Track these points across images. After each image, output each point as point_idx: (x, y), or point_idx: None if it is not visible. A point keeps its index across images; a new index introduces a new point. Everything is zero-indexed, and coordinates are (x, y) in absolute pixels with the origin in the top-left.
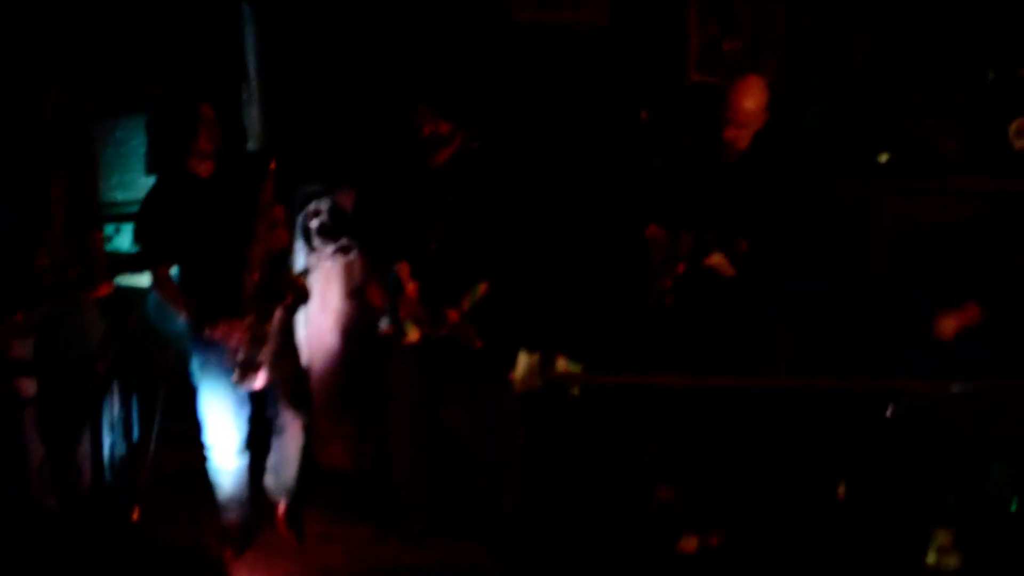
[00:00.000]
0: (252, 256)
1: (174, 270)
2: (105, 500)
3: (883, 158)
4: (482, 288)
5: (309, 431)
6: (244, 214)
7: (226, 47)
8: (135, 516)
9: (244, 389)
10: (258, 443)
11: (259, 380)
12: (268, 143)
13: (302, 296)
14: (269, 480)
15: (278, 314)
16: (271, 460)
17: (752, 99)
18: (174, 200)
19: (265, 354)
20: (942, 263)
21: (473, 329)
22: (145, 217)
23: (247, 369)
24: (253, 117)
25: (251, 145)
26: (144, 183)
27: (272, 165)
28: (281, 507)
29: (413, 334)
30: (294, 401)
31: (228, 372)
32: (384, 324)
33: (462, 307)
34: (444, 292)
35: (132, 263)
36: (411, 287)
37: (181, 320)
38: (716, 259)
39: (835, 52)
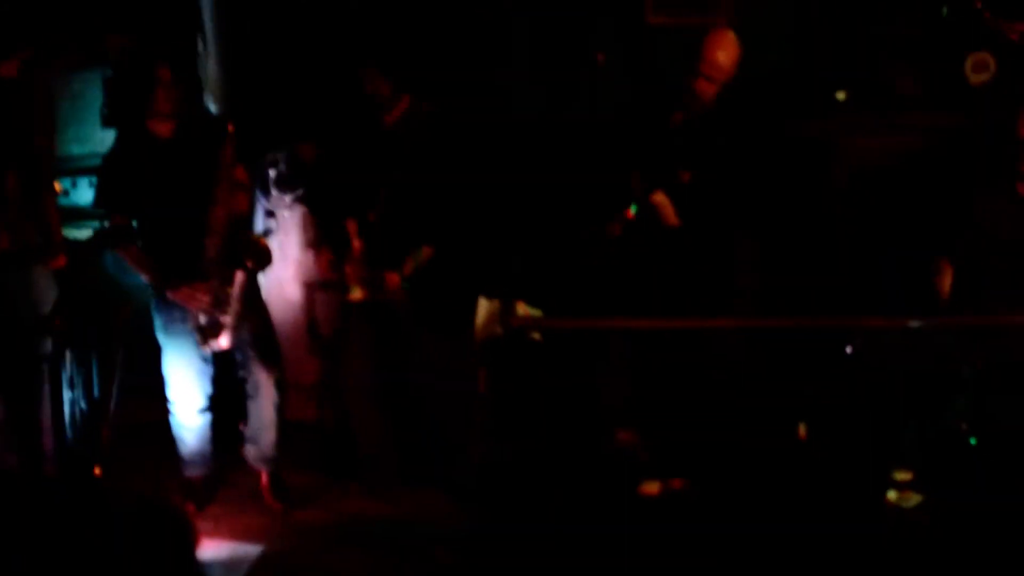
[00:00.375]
0: (213, 219)
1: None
2: (66, 457)
3: (841, 96)
4: (425, 252)
5: (282, 389)
6: (204, 176)
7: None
8: (97, 472)
9: (207, 351)
10: (222, 401)
11: (223, 342)
12: (225, 101)
13: (263, 259)
14: (249, 450)
15: (240, 277)
16: (249, 428)
17: (725, 52)
18: (134, 160)
19: (228, 317)
20: (899, 199)
21: (405, 294)
22: (106, 179)
23: (210, 332)
24: (209, 70)
25: (208, 101)
26: (101, 136)
27: (231, 128)
28: (264, 476)
29: (357, 293)
30: (265, 358)
31: (190, 333)
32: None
33: (403, 271)
34: (388, 254)
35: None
36: (356, 245)
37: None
38: (659, 198)
39: None
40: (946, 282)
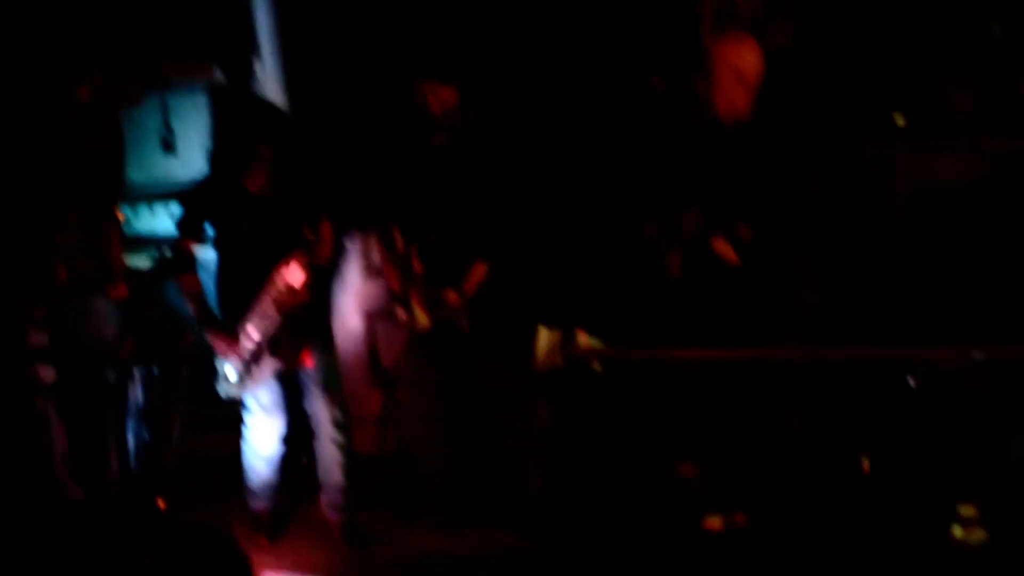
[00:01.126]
0: (264, 299)
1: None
2: (131, 487)
3: (900, 120)
4: (481, 270)
5: (342, 428)
6: (281, 239)
7: (239, 20)
8: (160, 503)
9: (225, 396)
10: (296, 435)
11: (240, 392)
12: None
13: (293, 366)
14: (323, 499)
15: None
16: (319, 474)
17: (732, 52)
18: (218, 198)
19: (256, 372)
20: (960, 222)
21: (464, 312)
22: (186, 217)
23: (227, 384)
24: (268, 92)
25: None
26: (162, 163)
27: (309, 236)
28: (337, 527)
29: (423, 320)
30: (328, 397)
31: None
32: (400, 311)
33: (464, 289)
34: (447, 275)
35: (163, 272)
36: (418, 268)
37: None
38: (720, 246)
39: (849, 12)
40: None
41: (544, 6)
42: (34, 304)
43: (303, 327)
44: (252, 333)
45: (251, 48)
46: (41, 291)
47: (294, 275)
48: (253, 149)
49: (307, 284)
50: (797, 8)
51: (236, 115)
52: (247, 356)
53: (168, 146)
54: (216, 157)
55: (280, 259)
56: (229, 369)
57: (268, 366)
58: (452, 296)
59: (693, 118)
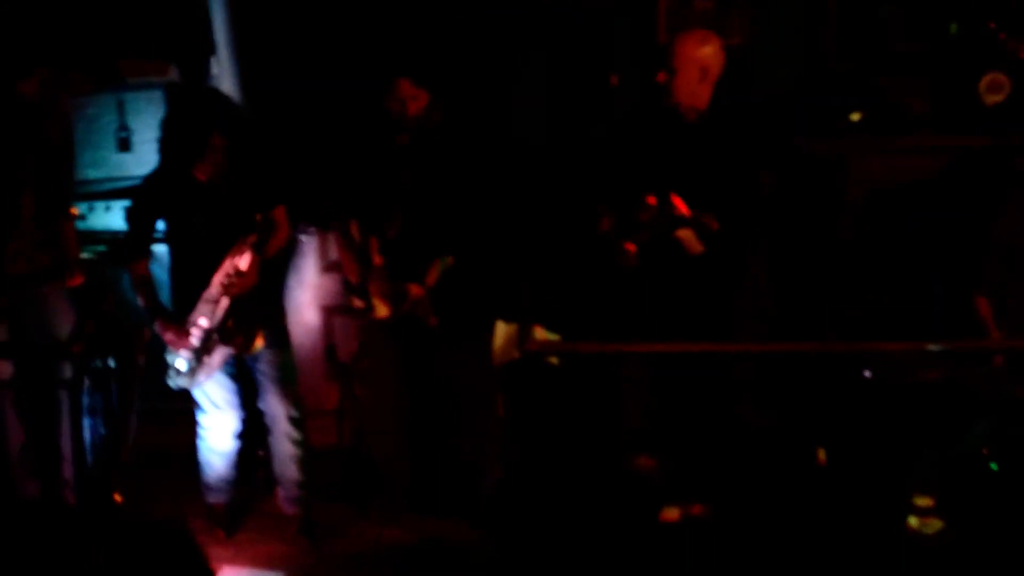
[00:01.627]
0: (214, 285)
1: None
2: (87, 482)
3: (855, 117)
4: (448, 261)
5: (298, 424)
6: (229, 228)
7: (195, 18)
8: (117, 498)
9: (175, 387)
10: (250, 430)
11: (188, 383)
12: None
13: (246, 349)
14: (278, 491)
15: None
16: (274, 469)
17: (696, 47)
18: (169, 192)
19: (205, 365)
20: (915, 219)
21: (430, 306)
22: (138, 208)
23: (179, 375)
24: (225, 89)
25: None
26: (117, 160)
27: (258, 217)
28: (293, 521)
29: (382, 310)
30: (283, 393)
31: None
32: (357, 301)
33: (426, 282)
34: (410, 268)
35: (113, 258)
36: (378, 261)
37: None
38: (685, 234)
39: (806, 11)
40: (989, 316)
41: (503, 4)
42: None
43: (254, 312)
44: (201, 322)
45: (208, 46)
46: None
47: (243, 260)
48: (203, 137)
49: (255, 269)
50: (754, 6)
51: (187, 105)
52: (196, 346)
53: (124, 144)
54: (166, 146)
55: (230, 247)
56: (180, 361)
57: (218, 357)
58: (415, 289)
59: (653, 111)
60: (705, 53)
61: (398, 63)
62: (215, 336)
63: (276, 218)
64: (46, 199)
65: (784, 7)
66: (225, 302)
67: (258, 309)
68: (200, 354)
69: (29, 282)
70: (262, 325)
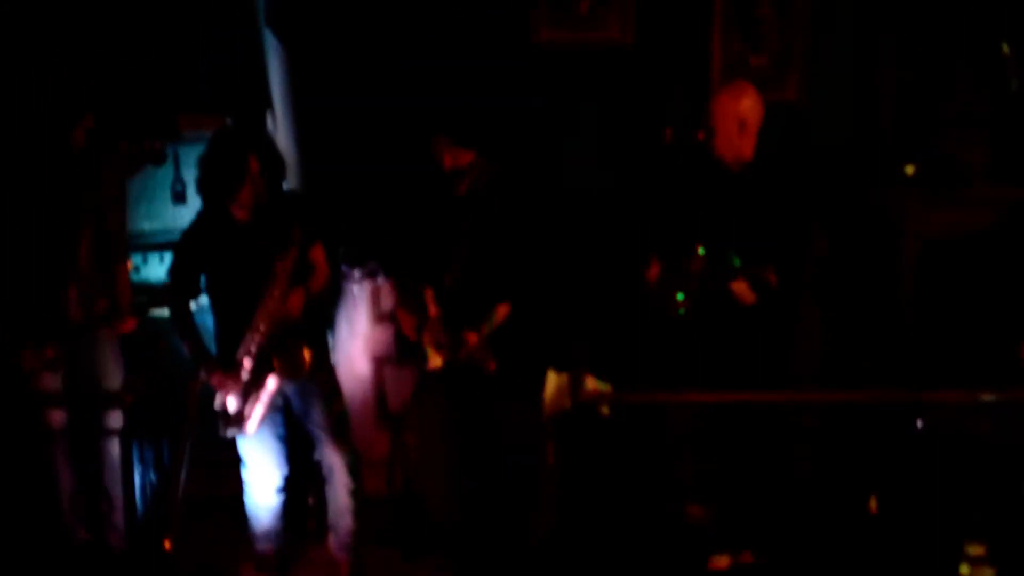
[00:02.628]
0: (259, 314)
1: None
2: (137, 530)
3: (909, 170)
4: (502, 311)
5: (356, 473)
6: (271, 265)
7: (249, 74)
8: (167, 545)
9: (227, 436)
10: (298, 481)
11: (244, 431)
12: (297, 177)
13: (296, 369)
14: (330, 538)
15: (271, 382)
16: (329, 515)
17: (731, 101)
18: (209, 237)
19: (253, 409)
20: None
21: (488, 352)
22: (180, 250)
23: (230, 421)
24: (280, 146)
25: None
26: (172, 213)
27: (297, 234)
28: (344, 567)
29: (435, 360)
30: (339, 442)
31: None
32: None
33: (481, 331)
34: (466, 317)
35: (158, 298)
36: (434, 312)
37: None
38: (739, 286)
39: (860, 66)
40: None
41: (560, 58)
42: (45, 346)
43: (299, 338)
44: (246, 362)
45: (264, 101)
46: (52, 332)
47: (285, 295)
48: (239, 165)
49: (298, 303)
50: (808, 62)
51: (224, 139)
52: (245, 383)
53: (180, 197)
54: (204, 180)
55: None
56: (229, 404)
57: (267, 396)
58: (472, 337)
59: (699, 165)
60: (743, 106)
61: (438, 122)
62: (261, 367)
63: (313, 257)
64: (102, 247)
65: (838, 62)
66: (266, 330)
67: (303, 335)
68: (248, 393)
69: (84, 329)
70: (310, 350)
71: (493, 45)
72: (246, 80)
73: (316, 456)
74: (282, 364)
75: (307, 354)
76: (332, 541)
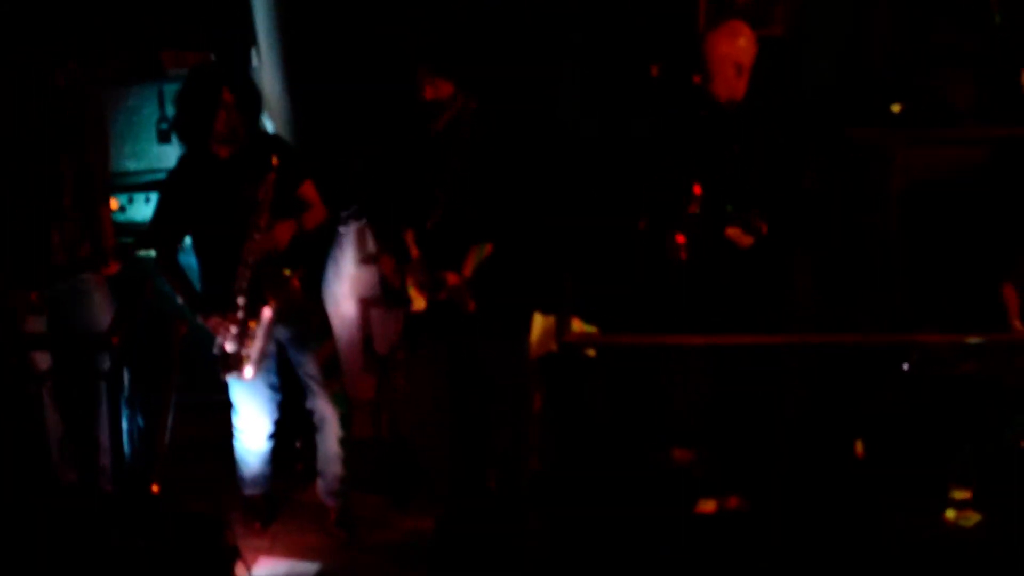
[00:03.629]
0: (245, 250)
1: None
2: (124, 472)
3: (896, 108)
4: (487, 249)
5: (347, 423)
6: (253, 202)
7: (236, 9)
8: (154, 488)
9: (228, 379)
10: (287, 429)
11: (244, 375)
12: (280, 114)
13: (290, 297)
14: (318, 484)
15: (266, 312)
16: (318, 462)
17: (727, 43)
18: (191, 180)
19: (251, 350)
20: (957, 212)
21: (469, 292)
22: (163, 195)
23: (230, 363)
24: (264, 83)
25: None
26: (157, 152)
27: (275, 160)
28: (332, 512)
29: (419, 302)
30: (331, 391)
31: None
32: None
33: (463, 271)
34: (449, 257)
35: (143, 241)
36: (415, 253)
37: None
38: (734, 231)
39: (848, 3)
40: (1013, 305)
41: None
42: (30, 289)
43: (288, 267)
44: (239, 299)
45: (248, 38)
46: (37, 276)
47: (270, 224)
48: (213, 96)
49: (287, 233)
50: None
51: (203, 75)
52: (240, 327)
53: (165, 135)
54: (181, 116)
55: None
56: (228, 345)
57: (264, 334)
58: (452, 277)
59: (691, 105)
60: (738, 47)
61: (419, 51)
62: (253, 306)
63: (305, 194)
64: (84, 190)
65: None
66: (255, 262)
67: (291, 271)
68: (244, 333)
69: (68, 272)
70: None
71: None
72: (230, 16)
73: (308, 404)
74: (274, 294)
75: (296, 284)
76: (320, 486)
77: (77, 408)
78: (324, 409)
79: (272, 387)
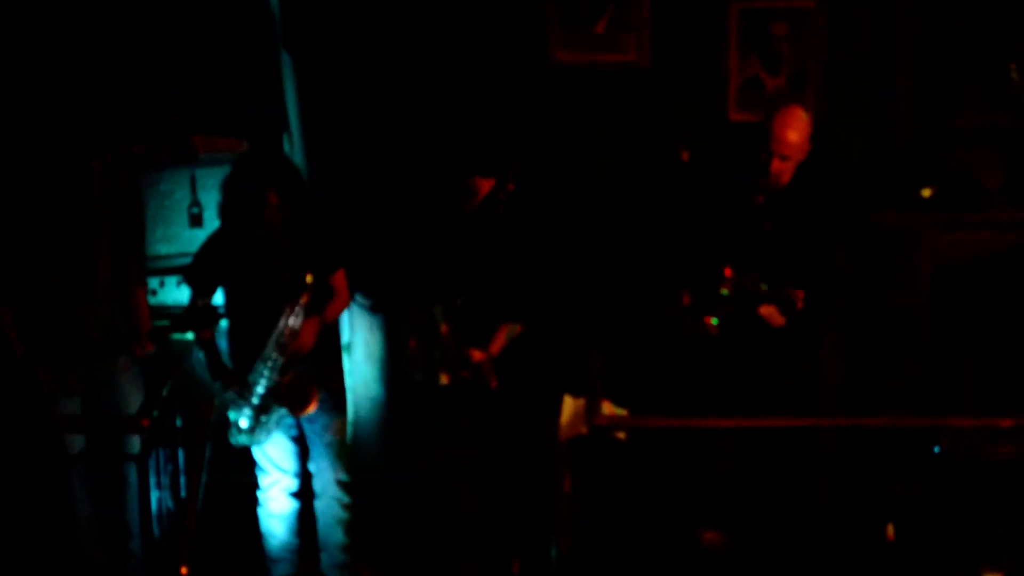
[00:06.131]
0: (270, 345)
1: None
2: (154, 555)
3: (926, 193)
4: (517, 329)
5: (350, 489)
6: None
7: (267, 96)
8: (184, 571)
9: (237, 444)
10: (309, 493)
11: (253, 441)
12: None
13: (301, 401)
14: (323, 559)
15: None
16: (320, 534)
17: (795, 130)
18: (226, 253)
19: (267, 423)
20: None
21: (492, 370)
22: (199, 260)
23: (241, 432)
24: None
25: None
26: (189, 236)
27: (308, 278)
28: None
29: (443, 378)
30: (335, 452)
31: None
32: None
33: (491, 349)
34: (477, 335)
35: (175, 326)
36: (444, 329)
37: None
38: (768, 310)
39: (876, 88)
40: None
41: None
42: (65, 369)
43: (310, 375)
44: (259, 382)
45: (280, 123)
46: (72, 356)
47: (296, 320)
48: (259, 192)
49: (313, 332)
50: (824, 85)
51: (245, 165)
52: (255, 404)
53: (196, 220)
54: (224, 205)
55: (287, 306)
56: (242, 419)
57: (276, 417)
58: (477, 354)
59: (728, 185)
60: (801, 134)
61: (453, 143)
62: (271, 396)
63: (334, 283)
64: (121, 270)
65: (856, 83)
66: (280, 361)
67: (315, 373)
68: (259, 412)
69: (103, 353)
70: (318, 388)
71: (509, 67)
72: (263, 102)
73: (311, 467)
74: (290, 400)
75: (315, 393)
76: (325, 560)
77: (108, 490)
78: (326, 472)
79: (293, 439)
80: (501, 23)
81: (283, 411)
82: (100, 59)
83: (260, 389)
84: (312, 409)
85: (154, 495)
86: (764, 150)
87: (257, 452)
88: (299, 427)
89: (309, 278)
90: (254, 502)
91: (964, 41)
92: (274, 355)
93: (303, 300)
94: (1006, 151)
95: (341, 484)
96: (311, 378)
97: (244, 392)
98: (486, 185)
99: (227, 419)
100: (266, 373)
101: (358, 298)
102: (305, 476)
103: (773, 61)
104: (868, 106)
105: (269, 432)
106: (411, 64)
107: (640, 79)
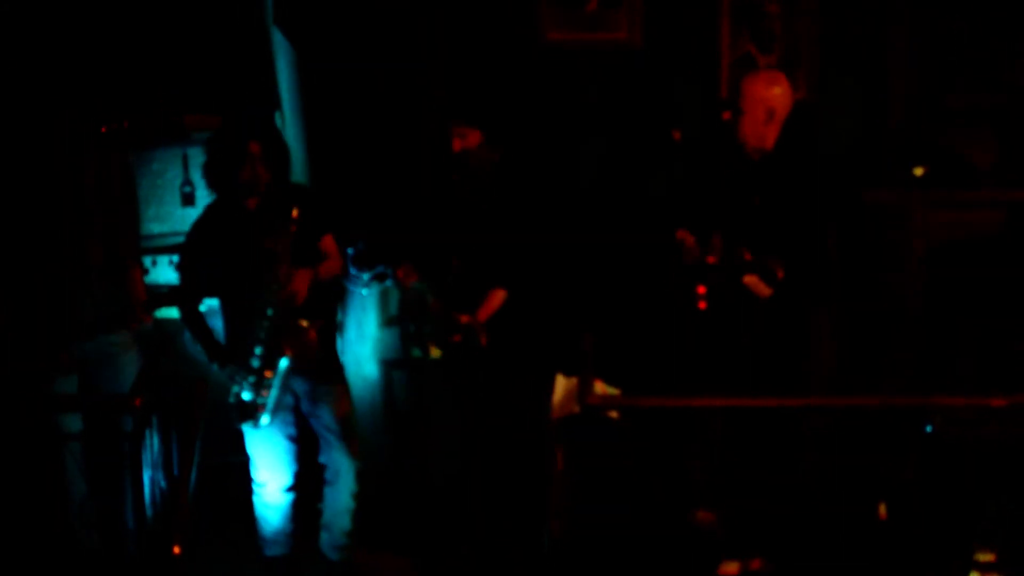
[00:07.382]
0: (263, 300)
1: (213, 302)
2: (147, 535)
3: (918, 171)
4: (500, 295)
5: (361, 478)
6: (275, 253)
7: (258, 73)
8: (176, 550)
9: (243, 429)
10: (306, 482)
11: (259, 423)
12: (305, 174)
13: (307, 350)
14: (323, 537)
15: (283, 363)
16: (324, 514)
17: (759, 85)
18: (215, 229)
19: (266, 400)
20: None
21: (482, 331)
22: (186, 248)
23: (245, 412)
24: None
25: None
26: (181, 215)
27: (295, 213)
28: (338, 564)
29: (435, 351)
30: (346, 446)
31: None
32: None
33: (478, 314)
34: (465, 304)
35: (168, 298)
36: (433, 303)
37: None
38: (751, 279)
39: (868, 66)
40: None
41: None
42: (59, 349)
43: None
44: (257, 348)
45: (272, 102)
46: (66, 335)
47: (289, 276)
48: (240, 145)
49: (305, 282)
50: (817, 60)
51: (232, 121)
52: (256, 377)
53: (188, 198)
54: (209, 167)
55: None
56: (244, 393)
57: (279, 388)
58: (464, 318)
59: (719, 148)
60: (773, 94)
61: (445, 111)
62: (270, 356)
63: (324, 247)
64: (113, 250)
65: (848, 63)
66: (271, 312)
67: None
68: (260, 382)
69: (97, 331)
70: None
71: (500, 45)
72: (254, 81)
73: (322, 458)
74: (290, 344)
75: (313, 336)
76: (324, 540)
77: (101, 470)
78: (339, 462)
79: (290, 438)
80: (492, 1)
81: (285, 367)
82: (92, 39)
83: (259, 350)
84: (313, 352)
85: (147, 474)
86: (730, 108)
87: (251, 448)
88: (297, 426)
89: (295, 212)
90: (248, 482)
91: (956, 21)
92: (268, 309)
93: (289, 236)
94: (997, 130)
95: (356, 473)
96: (307, 324)
97: (243, 365)
98: (472, 136)
99: (225, 401)
100: (261, 335)
101: (351, 271)
102: (302, 474)
103: (766, 39)
104: (860, 85)
105: (271, 409)
106: (407, 43)
107: (632, 57)
